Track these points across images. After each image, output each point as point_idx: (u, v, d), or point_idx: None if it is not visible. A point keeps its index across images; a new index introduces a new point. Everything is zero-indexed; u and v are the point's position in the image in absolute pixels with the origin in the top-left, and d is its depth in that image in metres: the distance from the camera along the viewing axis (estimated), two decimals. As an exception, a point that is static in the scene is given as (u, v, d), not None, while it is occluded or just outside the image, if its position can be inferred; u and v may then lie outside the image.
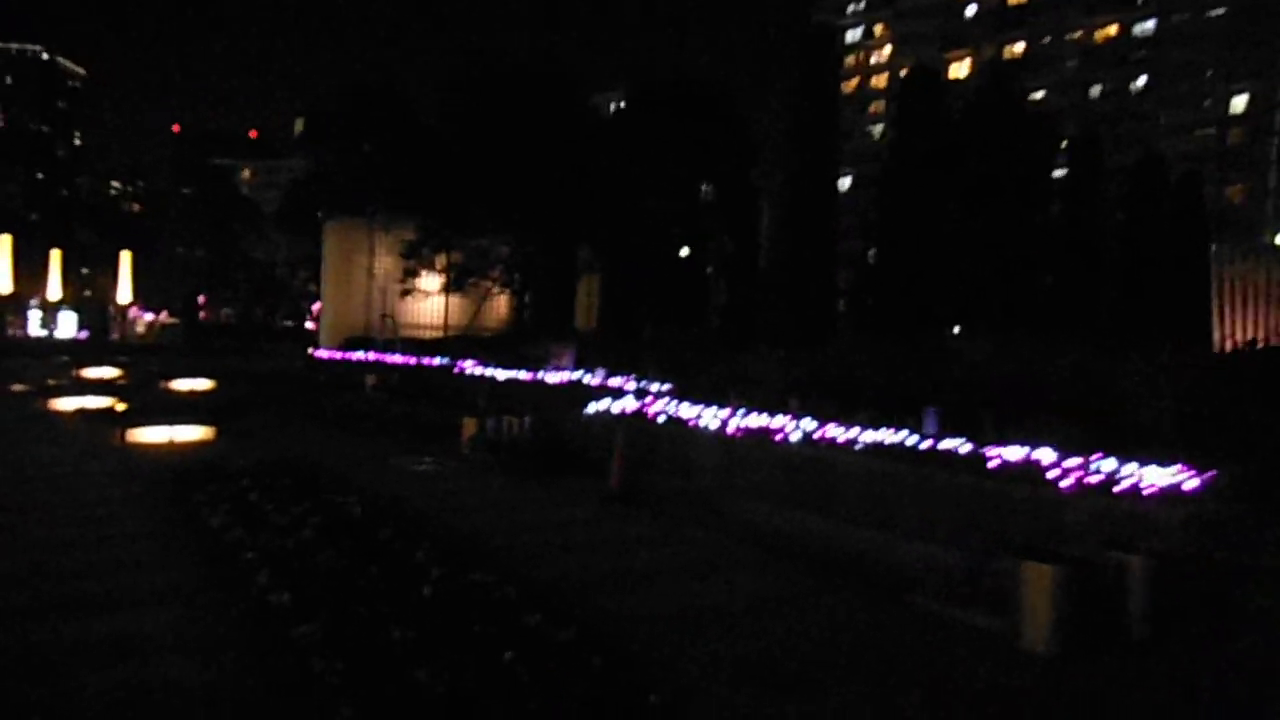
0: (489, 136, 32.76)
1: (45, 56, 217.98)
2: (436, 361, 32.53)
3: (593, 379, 22.87)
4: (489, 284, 35.63)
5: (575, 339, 25.19)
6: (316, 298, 67.66)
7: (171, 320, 70.01)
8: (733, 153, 38.94)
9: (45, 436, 14.30)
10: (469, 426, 14.10)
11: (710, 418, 12.24)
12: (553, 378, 23.70)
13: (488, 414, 14.47)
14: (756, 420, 11.58)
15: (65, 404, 18.11)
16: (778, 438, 10.93)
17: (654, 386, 20.56)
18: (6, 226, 57.22)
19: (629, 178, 32.87)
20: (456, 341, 36.04)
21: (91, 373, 28.38)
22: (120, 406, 17.08)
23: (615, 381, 22.10)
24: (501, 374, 24.72)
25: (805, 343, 17.32)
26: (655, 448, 12.68)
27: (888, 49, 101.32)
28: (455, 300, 38.55)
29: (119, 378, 27.12)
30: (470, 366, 26.91)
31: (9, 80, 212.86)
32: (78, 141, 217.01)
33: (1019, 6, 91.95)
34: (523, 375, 24.20)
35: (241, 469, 10.82)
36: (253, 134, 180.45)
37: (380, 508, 8.92)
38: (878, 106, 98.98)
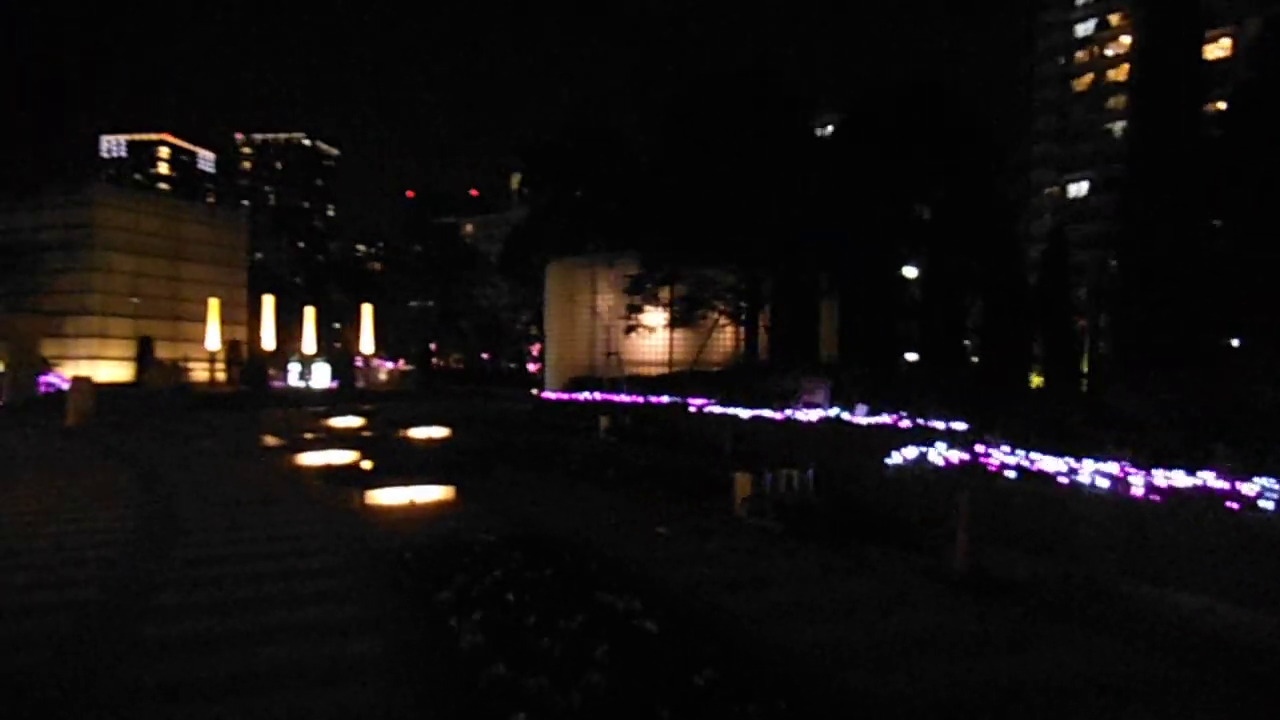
0: (710, 157, 30.72)
1: (307, 142, 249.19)
2: (665, 400, 30.60)
3: (855, 417, 19.68)
4: (716, 315, 33.34)
5: (826, 372, 22.08)
6: (537, 340, 69.23)
7: (408, 368, 74.27)
8: (974, 160, 34.51)
9: (289, 497, 13.31)
10: (742, 484, 11.48)
11: (1090, 473, 8.81)
12: (805, 416, 20.76)
13: (764, 467, 11.78)
14: (1183, 478, 8.05)
15: (311, 459, 17.58)
16: (1231, 505, 7.35)
17: (939, 425, 17.07)
18: (272, 289, 62.90)
19: (864, 192, 29.53)
20: (684, 378, 34.04)
21: (338, 422, 28.93)
22: (364, 464, 16.17)
23: (884, 419, 18.78)
24: (744, 413, 22.13)
25: (1188, 368, 13.15)
26: (1002, 514, 9.40)
27: (1126, 39, 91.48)
28: (679, 334, 36.72)
29: (362, 427, 27.33)
30: (708, 405, 24.58)
31: (279, 165, 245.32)
32: (331, 212, 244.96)
33: (1292, -26, 78.97)
34: (769, 414, 21.44)
35: (489, 547, 8.82)
36: (474, 192, 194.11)
37: (680, 620, 6.40)
38: (1117, 101, 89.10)
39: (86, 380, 30.00)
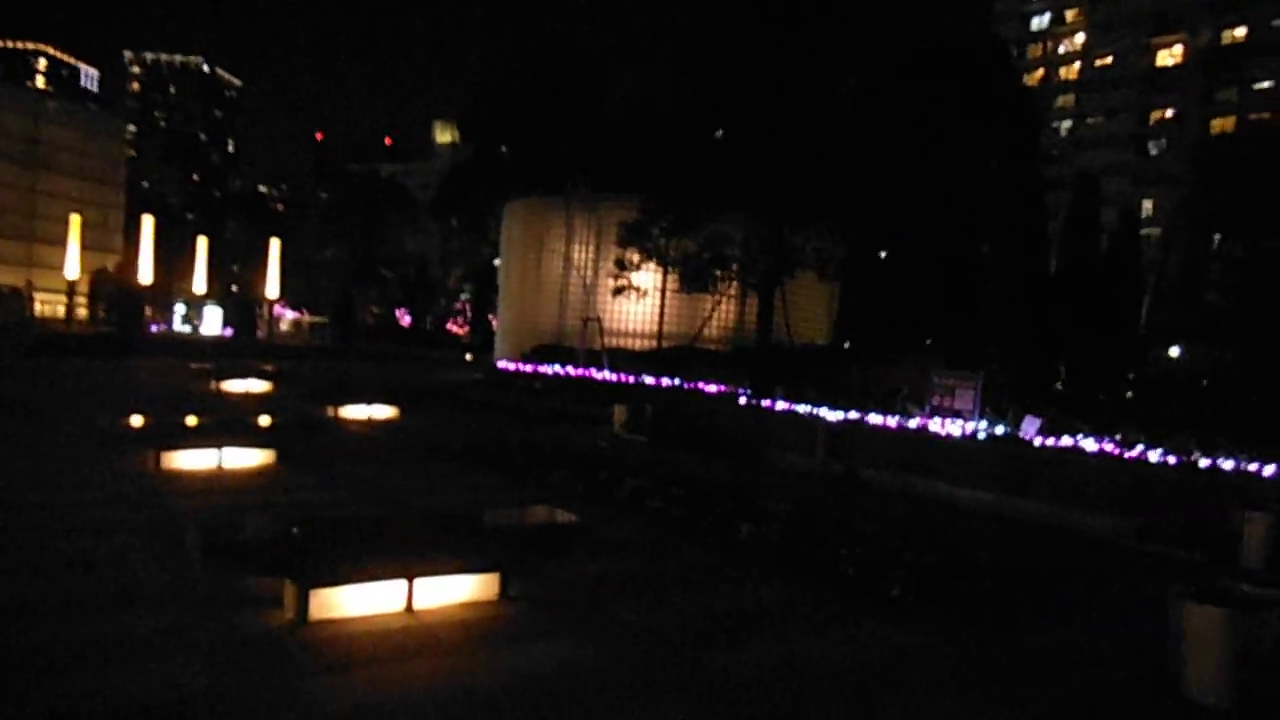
0: (746, 64, 23.89)
1: (206, 68, 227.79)
2: (665, 382, 24.07)
3: (1027, 434, 13.56)
4: (731, 281, 26.76)
5: (976, 368, 15.88)
6: (471, 298, 61.10)
7: (317, 319, 65.32)
8: (1018, 128, 29.15)
9: (135, 597, 6.13)
10: (1207, 626, 5.05)
11: None
12: (936, 426, 14.57)
13: (1248, 598, 5.37)
14: None
15: (189, 464, 10.25)
16: None
17: (1225, 464, 11.08)
18: (157, 217, 52.65)
19: (941, 147, 23.49)
20: (682, 356, 27.50)
21: (235, 387, 21.23)
22: (284, 481, 8.99)
23: (1090, 444, 12.69)
24: (829, 414, 15.78)
25: None
26: None
27: (1080, 37, 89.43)
28: (673, 301, 30.05)
29: (270, 398, 19.76)
30: (770, 401, 18.09)
31: (173, 90, 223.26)
32: (231, 148, 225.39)
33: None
34: (875, 420, 15.18)
35: None
36: (388, 141, 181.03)
37: None
38: (1066, 101, 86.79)
39: None
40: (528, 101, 39.80)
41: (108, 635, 5.01)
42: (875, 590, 6.94)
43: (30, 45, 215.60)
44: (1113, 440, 12.36)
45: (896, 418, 14.89)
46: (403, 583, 5.73)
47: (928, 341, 23.38)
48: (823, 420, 15.43)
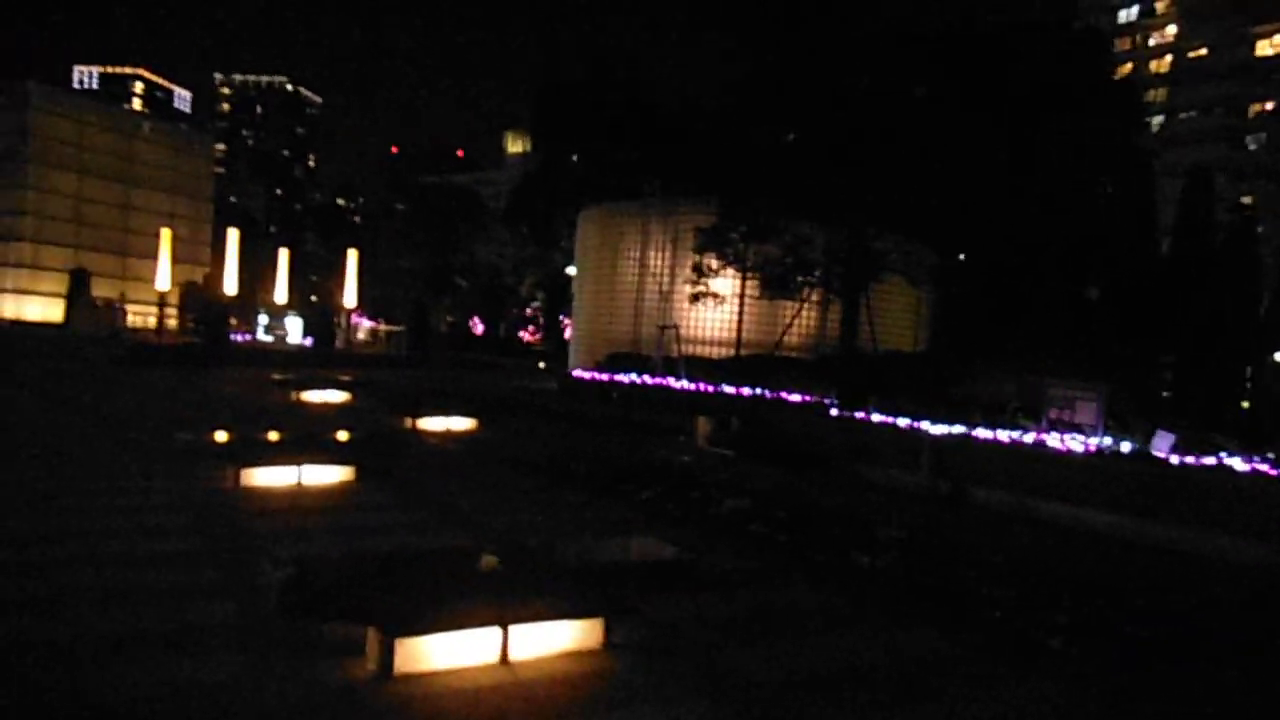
0: (814, 84, 23.02)
1: (290, 87, 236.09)
2: (746, 392, 23.28)
3: (1161, 452, 12.28)
4: (814, 286, 25.73)
5: (1101, 379, 14.60)
6: (543, 306, 61.21)
7: (393, 328, 66.31)
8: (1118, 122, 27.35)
9: (191, 637, 5.63)
10: None
11: None
12: (1054, 441, 13.37)
13: None
14: None
15: (264, 480, 9.88)
16: None
17: None
18: (243, 229, 53.96)
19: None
20: (765, 364, 26.58)
21: (315, 397, 21.22)
22: (360, 495, 8.49)
23: (1238, 464, 11.38)
24: (933, 427, 14.69)
25: None
26: None
27: (1171, 29, 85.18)
28: (751, 308, 29.11)
29: (349, 408, 19.66)
30: (866, 412, 17.07)
31: (259, 109, 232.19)
32: (312, 163, 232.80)
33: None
34: (990, 435, 14.03)
35: None
36: (460, 152, 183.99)
37: None
38: (1157, 95, 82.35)
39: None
40: (590, 106, 39.47)
41: (164, 684, 4.46)
42: (1024, 638, 6.00)
43: (128, 70, 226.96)
44: (1265, 459, 11.04)
45: (1009, 432, 13.76)
46: (497, 630, 5.06)
47: (1007, 347, 22.02)
48: (926, 434, 14.34)
